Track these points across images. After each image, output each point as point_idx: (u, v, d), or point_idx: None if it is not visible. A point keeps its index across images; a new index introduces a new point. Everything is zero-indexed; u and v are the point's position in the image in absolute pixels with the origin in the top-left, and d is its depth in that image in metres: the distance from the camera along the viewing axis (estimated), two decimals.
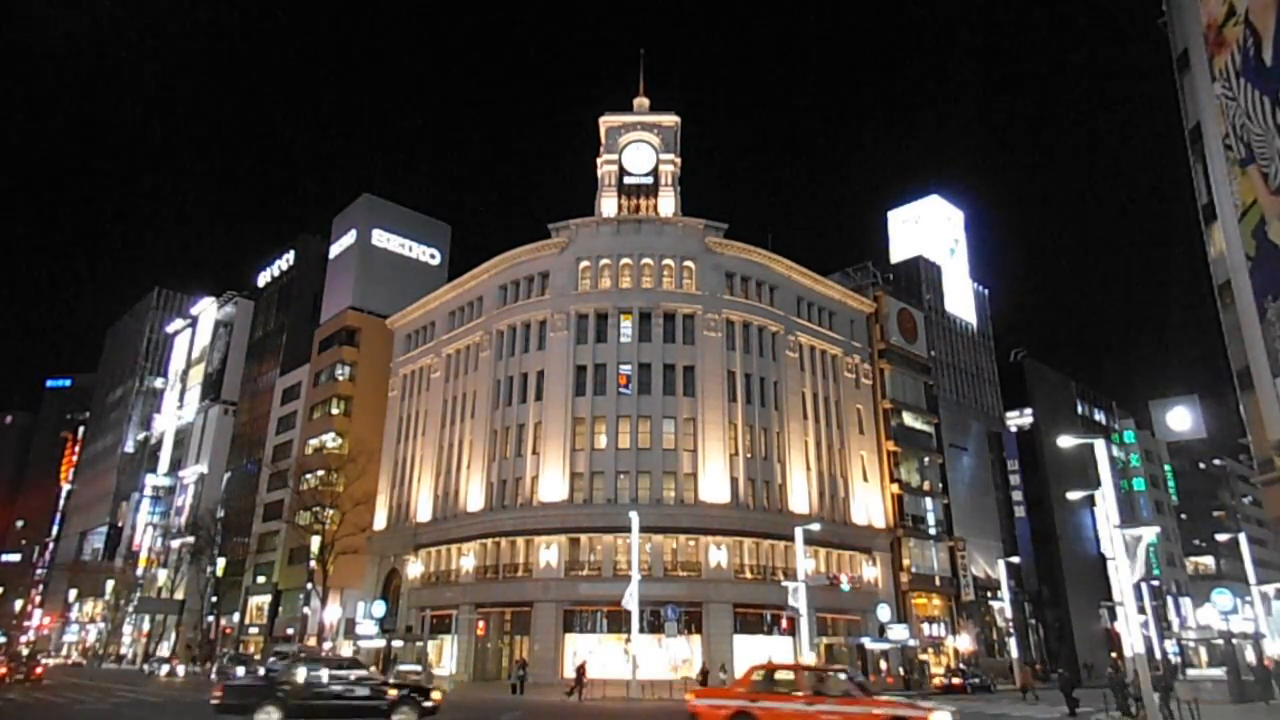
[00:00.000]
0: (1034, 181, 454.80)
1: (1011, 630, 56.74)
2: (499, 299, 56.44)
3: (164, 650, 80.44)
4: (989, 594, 63.39)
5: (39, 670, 43.00)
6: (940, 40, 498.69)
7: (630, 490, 48.07)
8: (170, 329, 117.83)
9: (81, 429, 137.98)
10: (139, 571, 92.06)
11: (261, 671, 24.35)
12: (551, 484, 48.99)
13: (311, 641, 58.02)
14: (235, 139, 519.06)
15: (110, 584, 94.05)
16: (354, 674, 20.67)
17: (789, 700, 17.10)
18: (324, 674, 20.24)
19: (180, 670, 58.22)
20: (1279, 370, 22.18)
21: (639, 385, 50.41)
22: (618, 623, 43.48)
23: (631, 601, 37.04)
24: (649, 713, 29.38)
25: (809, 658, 40.41)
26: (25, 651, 68.12)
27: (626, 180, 57.58)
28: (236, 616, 75.74)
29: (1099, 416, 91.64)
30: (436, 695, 21.02)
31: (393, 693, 20.24)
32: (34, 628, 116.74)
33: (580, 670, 37.16)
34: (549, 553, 47.37)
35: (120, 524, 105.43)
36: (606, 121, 59.29)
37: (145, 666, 66.29)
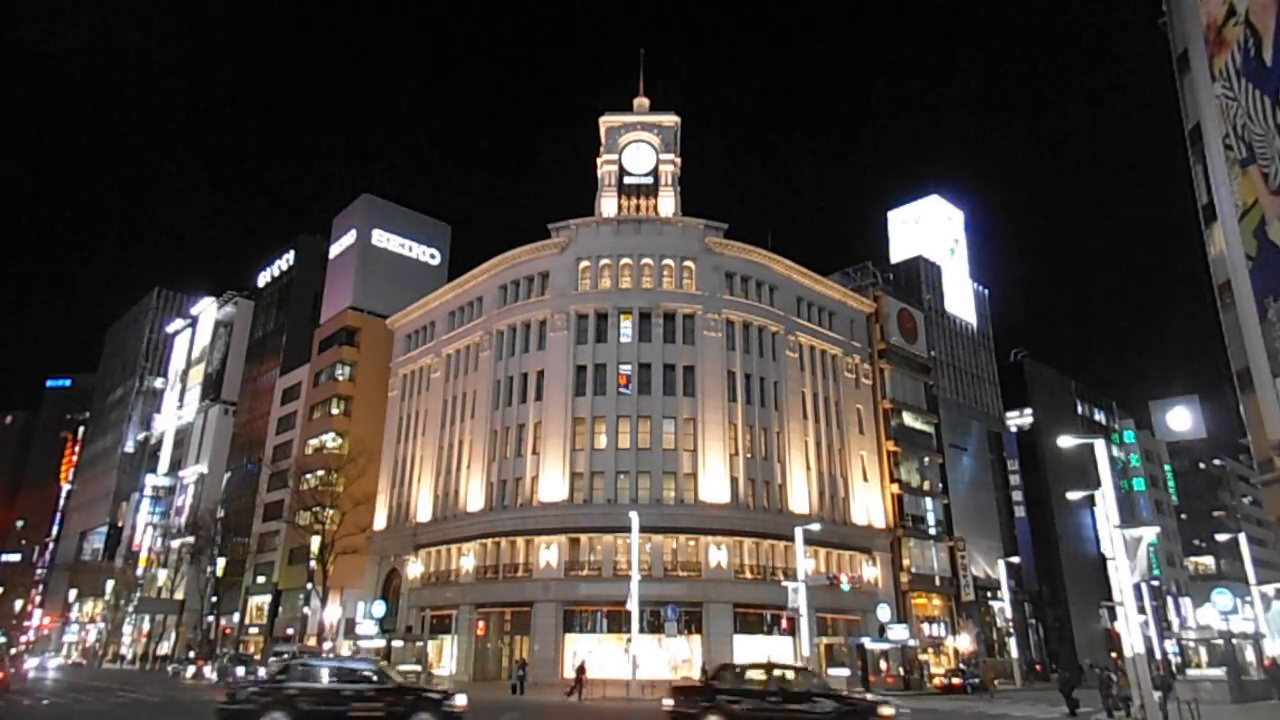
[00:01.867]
0: (1034, 181, 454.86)
1: (1011, 630, 56.75)
2: (499, 299, 56.43)
3: (164, 649, 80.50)
4: (989, 594, 63.37)
5: (9, 674, 34.62)
6: (940, 40, 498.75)
7: (630, 490, 48.06)
8: (170, 329, 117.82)
9: (81, 429, 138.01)
10: (139, 571, 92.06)
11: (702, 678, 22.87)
12: (551, 484, 48.98)
13: (311, 641, 58.02)
14: (235, 139, 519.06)
15: (110, 584, 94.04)
16: (811, 682, 18.99)
17: None
18: (768, 682, 18.87)
19: (208, 672, 50.78)
20: (1279, 370, 22.16)
21: (639, 385, 50.41)
22: (618, 623, 43.50)
23: (632, 601, 37.06)
24: (649, 713, 29.35)
25: (809, 658, 40.43)
26: (14, 651, 65.38)
27: (626, 180, 57.58)
28: (236, 616, 75.74)
29: (1099, 416, 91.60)
30: (887, 710, 18.96)
31: (828, 703, 18.23)
32: (34, 628, 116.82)
33: (580, 670, 37.16)
34: (549, 553, 47.36)
35: (120, 524, 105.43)
36: (606, 121, 59.28)
37: (170, 667, 64.17)
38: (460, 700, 18.42)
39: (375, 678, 18.48)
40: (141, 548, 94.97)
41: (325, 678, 18.20)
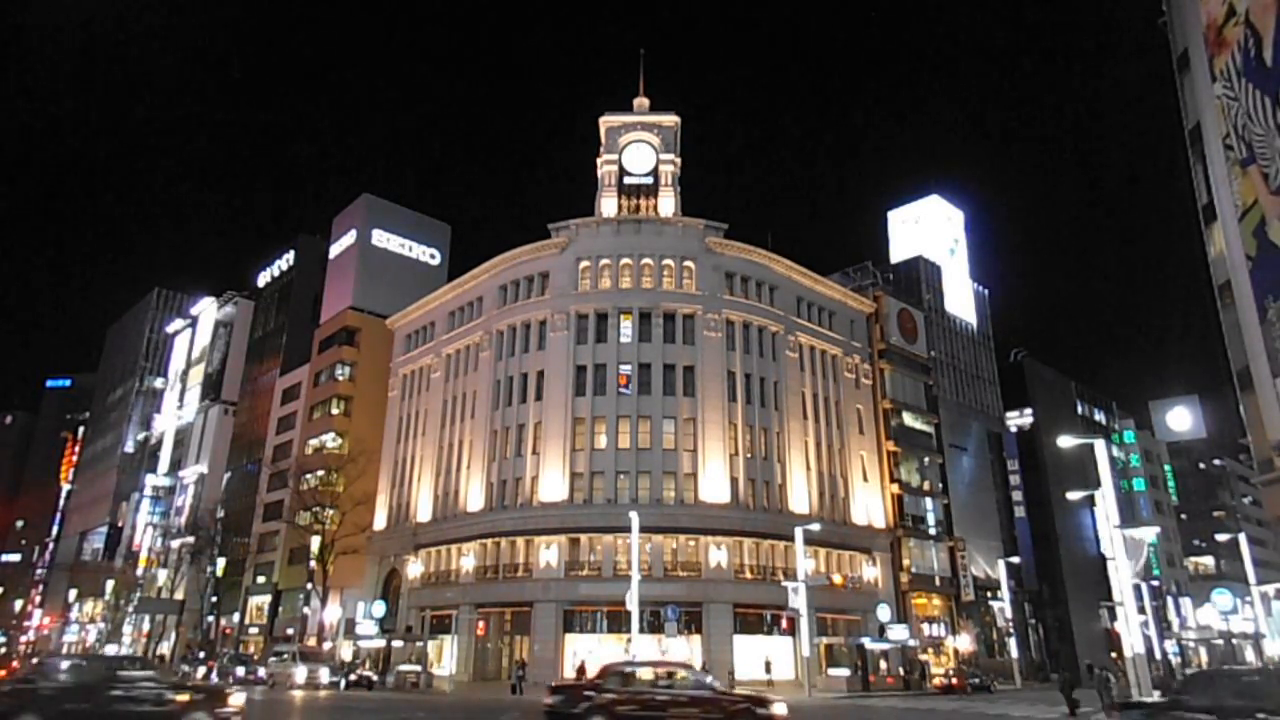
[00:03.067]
0: (1034, 181, 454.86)
1: (1011, 630, 56.76)
2: (499, 299, 56.44)
3: (164, 649, 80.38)
4: (989, 594, 63.40)
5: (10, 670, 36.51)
6: (940, 40, 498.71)
7: (630, 490, 48.06)
8: (170, 329, 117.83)
9: (81, 429, 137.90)
10: (139, 571, 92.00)
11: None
12: (551, 484, 48.99)
13: (311, 642, 58.01)
14: (235, 139, 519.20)
15: (110, 584, 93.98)
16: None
17: None
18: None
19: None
20: (1279, 370, 22.17)
21: (639, 385, 50.42)
22: (618, 623, 43.50)
23: (631, 601, 37.06)
24: None
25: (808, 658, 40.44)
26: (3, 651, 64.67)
27: (626, 180, 57.61)
28: (236, 616, 75.74)
29: (1099, 416, 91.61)
30: None
31: None
32: (34, 628, 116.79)
33: (580, 670, 37.17)
34: (549, 553, 47.37)
35: (120, 524, 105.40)
36: (606, 121, 59.30)
37: (179, 669, 63.50)
38: (780, 709, 17.80)
39: (692, 683, 18.20)
40: (141, 548, 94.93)
41: (643, 682, 18.23)
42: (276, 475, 71.72)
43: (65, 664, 18.12)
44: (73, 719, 15.77)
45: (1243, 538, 60.94)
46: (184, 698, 16.65)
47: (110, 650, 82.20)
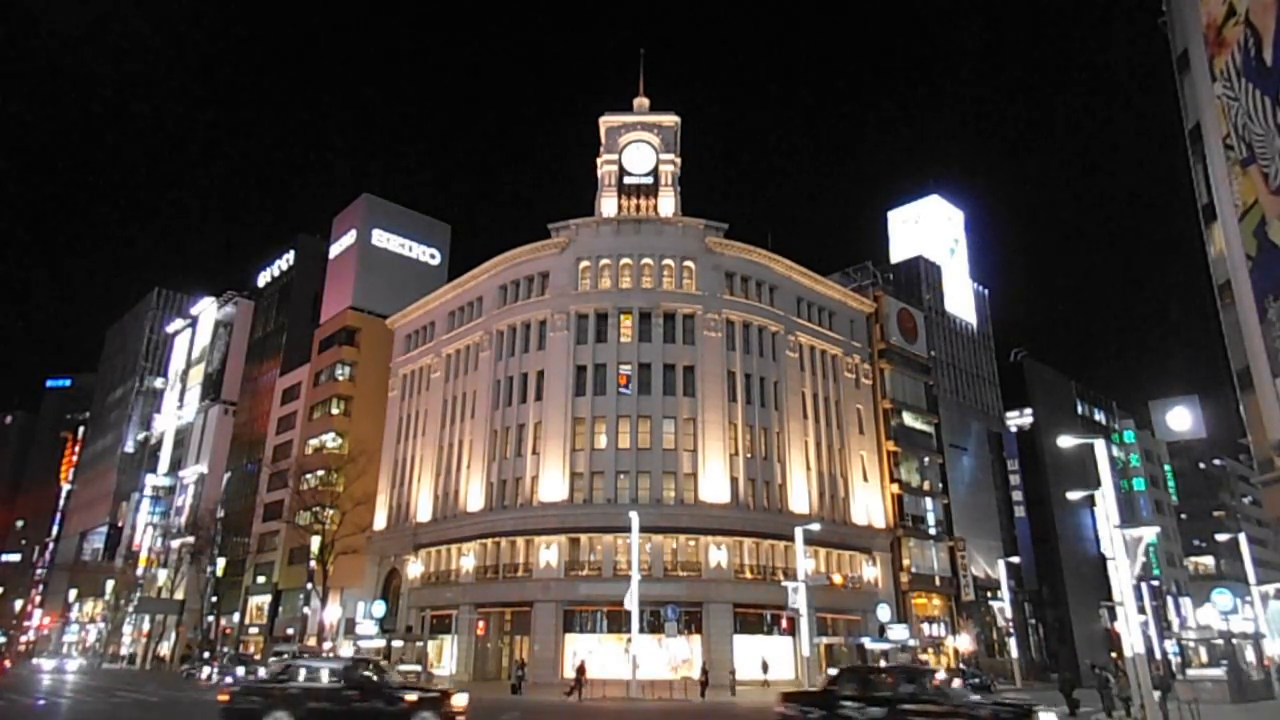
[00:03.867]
0: (1034, 181, 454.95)
1: (1011, 630, 56.74)
2: (499, 299, 56.44)
3: (164, 649, 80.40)
4: (989, 594, 63.39)
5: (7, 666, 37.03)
6: (940, 40, 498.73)
7: (630, 490, 48.06)
8: (170, 329, 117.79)
9: (81, 429, 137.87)
10: (139, 571, 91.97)
11: None
12: (551, 484, 48.99)
13: (311, 641, 58.00)
14: (235, 139, 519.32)
15: (110, 584, 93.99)
16: None
17: None
18: None
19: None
20: (1279, 370, 22.16)
21: (639, 385, 50.43)
22: (618, 623, 43.49)
23: (631, 601, 37.05)
24: (649, 713, 29.38)
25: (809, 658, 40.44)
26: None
27: (626, 180, 57.60)
28: (236, 616, 75.74)
29: (1099, 416, 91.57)
30: None
31: None
32: (34, 627, 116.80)
33: (580, 670, 37.15)
34: (549, 553, 47.37)
35: (120, 524, 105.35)
36: (606, 121, 59.30)
37: (183, 669, 62.13)
38: (1048, 718, 16.61)
39: (914, 684, 17.45)
40: (141, 548, 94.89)
41: (873, 684, 17.80)
42: (276, 475, 71.66)
43: (311, 665, 19.01)
44: (316, 717, 16.84)
45: (1243, 538, 60.82)
46: (413, 698, 17.44)
47: (168, 649, 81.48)
